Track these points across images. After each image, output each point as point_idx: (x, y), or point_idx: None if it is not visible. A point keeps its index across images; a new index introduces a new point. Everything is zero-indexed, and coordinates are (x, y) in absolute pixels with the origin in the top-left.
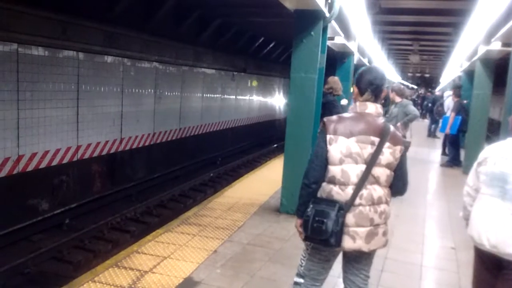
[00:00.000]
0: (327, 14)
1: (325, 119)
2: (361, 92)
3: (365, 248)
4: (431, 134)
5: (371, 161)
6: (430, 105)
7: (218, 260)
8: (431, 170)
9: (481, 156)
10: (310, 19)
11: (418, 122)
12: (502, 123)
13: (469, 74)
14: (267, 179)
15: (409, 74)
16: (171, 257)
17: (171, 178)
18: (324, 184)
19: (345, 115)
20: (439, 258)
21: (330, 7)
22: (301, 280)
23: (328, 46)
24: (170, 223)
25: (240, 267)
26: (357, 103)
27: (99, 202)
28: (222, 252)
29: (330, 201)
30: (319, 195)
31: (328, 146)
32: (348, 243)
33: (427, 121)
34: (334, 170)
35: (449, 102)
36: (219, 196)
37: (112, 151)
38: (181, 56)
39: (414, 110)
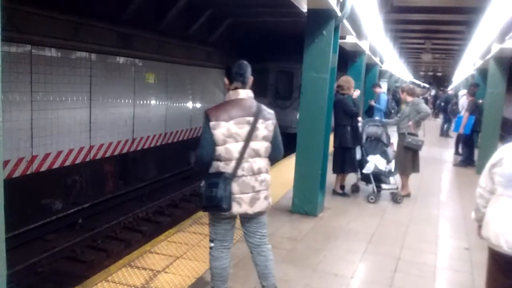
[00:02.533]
0: (339, 13)
1: (206, 110)
2: (231, 82)
3: (250, 211)
4: (444, 133)
5: (248, 138)
6: (442, 104)
7: (231, 260)
8: (444, 170)
9: (495, 157)
10: (322, 19)
11: (430, 121)
12: None
13: (483, 72)
14: (277, 180)
15: (421, 73)
16: (184, 257)
17: (182, 178)
18: (213, 162)
19: (223, 103)
20: (452, 259)
21: (342, 6)
22: (212, 244)
23: (339, 46)
24: (182, 223)
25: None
26: (230, 92)
27: (112, 202)
28: (234, 252)
29: (218, 174)
30: (210, 171)
31: (213, 131)
32: (235, 208)
33: (439, 120)
34: (219, 150)
35: (463, 101)
36: None
37: (124, 151)
38: (192, 56)
39: (425, 108)
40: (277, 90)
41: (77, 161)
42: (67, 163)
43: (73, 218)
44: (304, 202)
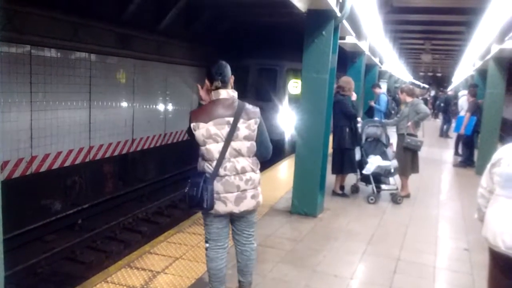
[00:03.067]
0: (339, 14)
1: (190, 111)
2: (211, 82)
3: (236, 210)
4: (443, 134)
5: (228, 138)
6: (442, 104)
7: (229, 261)
8: (443, 170)
9: (495, 157)
10: (322, 19)
11: (430, 122)
12: None
13: (482, 73)
14: (277, 181)
15: (421, 74)
16: (183, 258)
17: (182, 179)
18: (199, 159)
19: (206, 104)
20: (452, 260)
21: (342, 6)
22: (207, 245)
23: (339, 46)
24: (182, 223)
25: None
26: (212, 92)
27: (111, 203)
28: (233, 253)
29: (200, 173)
30: (198, 170)
31: (194, 132)
32: (221, 207)
33: (439, 121)
34: (202, 149)
35: (462, 101)
36: None
37: (124, 151)
38: (190, 56)
39: (425, 108)
40: (258, 91)
41: (77, 162)
42: (67, 163)
43: (73, 219)
44: (304, 203)
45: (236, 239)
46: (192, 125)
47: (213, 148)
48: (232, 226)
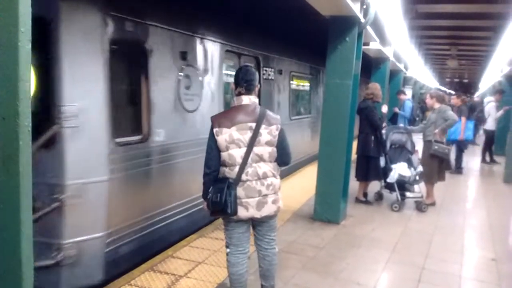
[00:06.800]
0: (362, 20)
1: (211, 117)
2: (236, 87)
3: (257, 215)
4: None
5: (251, 143)
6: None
7: (251, 266)
8: (470, 178)
9: None
10: (345, 25)
11: None
12: None
13: (510, 79)
14: (300, 186)
15: (447, 80)
16: (205, 263)
17: None
18: (220, 167)
19: (228, 110)
20: (479, 270)
21: (365, 12)
22: (228, 250)
23: (363, 52)
24: (204, 228)
25: None
26: (234, 98)
27: None
28: (255, 258)
29: (223, 179)
30: (218, 177)
31: (216, 137)
32: (242, 212)
33: None
34: (223, 155)
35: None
36: None
37: None
38: None
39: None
40: None
41: None
42: None
43: None
44: (326, 210)
45: (258, 244)
46: (215, 130)
47: (236, 153)
48: (253, 232)
